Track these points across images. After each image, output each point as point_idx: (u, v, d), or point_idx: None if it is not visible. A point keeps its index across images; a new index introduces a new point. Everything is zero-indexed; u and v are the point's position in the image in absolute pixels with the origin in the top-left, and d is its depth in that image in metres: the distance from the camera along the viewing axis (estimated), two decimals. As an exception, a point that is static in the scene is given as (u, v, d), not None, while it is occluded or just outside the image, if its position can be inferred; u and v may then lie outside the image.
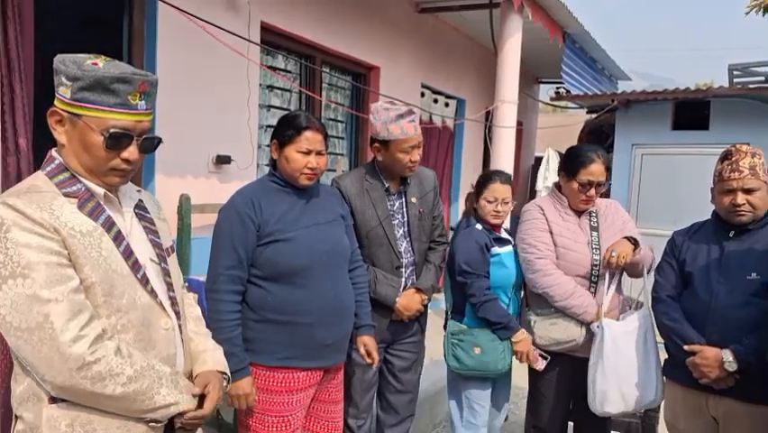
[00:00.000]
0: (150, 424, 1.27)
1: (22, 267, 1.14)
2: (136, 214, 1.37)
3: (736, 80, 6.33)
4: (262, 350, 1.91)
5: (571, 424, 2.59)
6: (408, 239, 2.34)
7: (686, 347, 2.00)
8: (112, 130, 1.23)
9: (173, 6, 2.82)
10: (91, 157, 1.25)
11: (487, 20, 4.89)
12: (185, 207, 3.16)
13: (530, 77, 8.28)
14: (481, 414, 2.44)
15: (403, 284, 2.33)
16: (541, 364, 2.36)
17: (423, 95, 5.84)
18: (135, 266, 1.28)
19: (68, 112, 1.23)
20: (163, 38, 3.24)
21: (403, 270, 2.33)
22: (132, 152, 1.27)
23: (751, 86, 6.03)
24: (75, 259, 1.20)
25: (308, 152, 1.91)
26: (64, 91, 1.23)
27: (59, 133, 1.26)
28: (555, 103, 7.34)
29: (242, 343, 1.87)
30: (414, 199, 2.36)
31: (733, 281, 1.98)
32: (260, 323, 1.91)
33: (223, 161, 3.59)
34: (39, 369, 1.16)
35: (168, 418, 1.28)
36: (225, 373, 1.49)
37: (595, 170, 2.30)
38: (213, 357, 1.48)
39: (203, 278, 2.34)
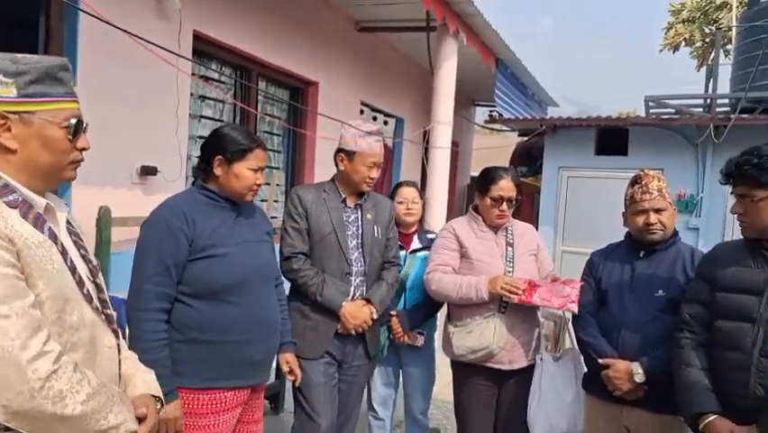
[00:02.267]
0: None
1: None
2: (67, 228, 1.29)
3: (651, 111, 6.81)
4: (187, 372, 1.82)
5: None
6: (361, 250, 2.37)
7: (600, 361, 2.10)
8: (72, 120, 1.18)
9: (93, 16, 2.70)
10: (53, 154, 1.17)
11: (424, 41, 5.01)
12: (104, 220, 3.00)
13: (466, 99, 8.54)
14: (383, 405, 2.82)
15: (352, 293, 2.33)
16: (420, 340, 2.67)
17: (362, 112, 5.89)
18: (80, 282, 1.21)
19: (17, 112, 1.13)
20: (84, 41, 3.09)
21: (353, 277, 2.34)
22: (85, 140, 1.22)
23: (663, 116, 6.51)
24: (29, 272, 1.10)
25: (257, 170, 1.91)
26: (3, 91, 1.12)
27: (6, 140, 1.13)
28: (489, 126, 7.60)
29: (170, 364, 1.78)
30: (369, 216, 2.42)
31: (642, 298, 2.11)
32: (186, 343, 1.83)
33: (148, 172, 3.45)
34: None
35: None
36: (159, 397, 1.42)
37: (504, 185, 2.46)
38: (144, 381, 1.41)
39: (123, 295, 2.22)
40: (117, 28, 2.74)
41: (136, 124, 3.40)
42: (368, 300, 2.35)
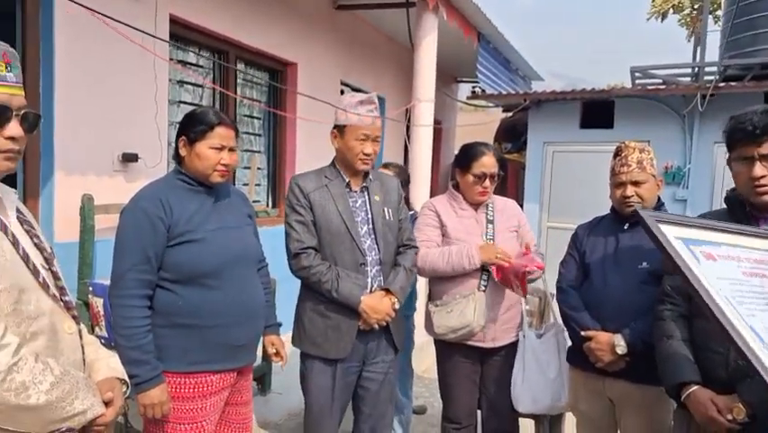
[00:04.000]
0: None
1: None
2: (17, 216, 1.28)
3: (637, 82, 6.80)
4: (172, 356, 1.84)
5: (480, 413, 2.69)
6: (373, 236, 2.21)
7: (582, 333, 2.13)
8: None
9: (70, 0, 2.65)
10: None
11: (403, 18, 4.96)
12: (87, 208, 2.99)
13: (448, 76, 8.49)
14: None
15: (369, 284, 2.18)
16: None
17: (342, 92, 5.84)
18: (35, 271, 1.21)
19: None
20: (61, 28, 3.04)
21: (368, 268, 2.18)
22: (13, 128, 1.18)
23: (649, 87, 6.50)
24: None
25: (221, 149, 1.86)
26: None
27: None
28: (472, 102, 7.57)
29: (153, 349, 1.79)
30: (377, 198, 2.26)
31: (625, 271, 2.12)
32: (169, 328, 1.84)
33: (129, 159, 3.41)
34: None
35: (82, 425, 1.21)
36: (124, 380, 1.43)
37: (487, 161, 2.43)
38: (107, 365, 1.41)
39: (108, 282, 2.22)
40: (91, 10, 2.71)
41: (115, 112, 3.36)
42: (387, 291, 2.18)
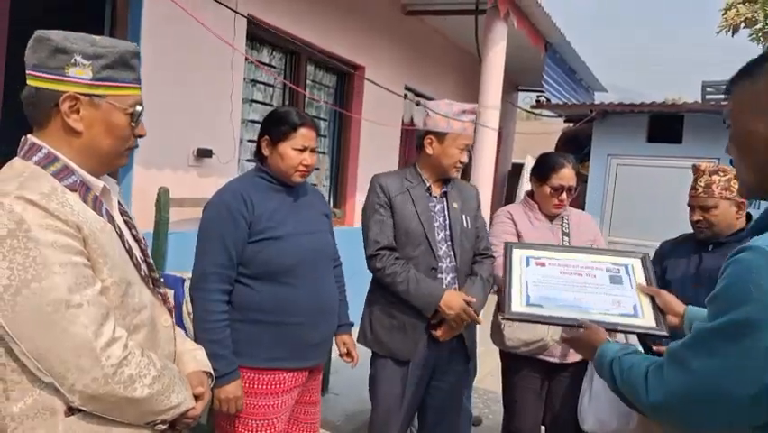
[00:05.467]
0: (157, 427, 1.22)
1: (47, 270, 1.04)
2: (118, 208, 1.32)
3: (708, 97, 6.52)
4: (247, 352, 1.86)
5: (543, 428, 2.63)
6: (450, 243, 2.20)
7: (655, 348, 2.07)
8: (138, 107, 1.20)
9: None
10: (115, 140, 1.19)
11: (470, 25, 4.92)
12: (163, 201, 3.07)
13: (509, 84, 8.36)
14: None
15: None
16: None
17: (406, 96, 5.85)
18: (137, 264, 1.24)
19: (89, 94, 1.14)
20: (148, 26, 3.16)
21: (443, 275, 2.16)
22: (144, 128, 1.24)
23: (723, 103, 6.20)
24: (95, 259, 1.12)
25: (303, 150, 1.88)
26: (80, 72, 1.12)
27: (75, 121, 1.14)
28: (535, 111, 7.44)
29: (231, 344, 1.82)
30: (456, 205, 2.25)
31: (706, 292, 2.03)
32: (246, 324, 1.86)
33: (204, 154, 3.52)
34: (68, 379, 1.07)
35: (175, 417, 1.24)
36: (210, 374, 1.46)
37: (566, 174, 2.38)
38: (195, 358, 1.44)
39: (180, 274, 2.28)
40: (183, 9, 2.81)
41: (194, 108, 3.47)
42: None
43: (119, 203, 1.32)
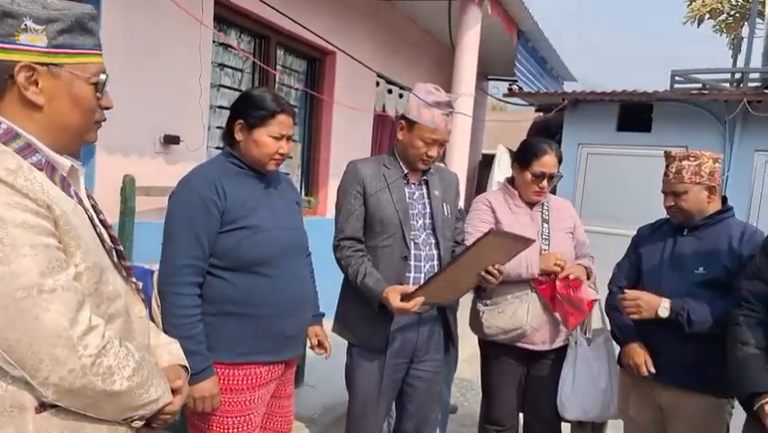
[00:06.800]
0: (134, 423, 1.14)
1: (15, 252, 0.94)
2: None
3: (676, 86, 6.63)
4: (221, 346, 1.77)
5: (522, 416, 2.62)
6: (431, 231, 2.13)
7: (626, 291, 2.10)
8: (102, 75, 1.09)
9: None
10: (81, 113, 1.09)
11: (443, 13, 4.88)
12: (128, 189, 2.95)
13: (480, 73, 8.33)
14: None
15: (421, 278, 2.06)
16: None
17: (377, 84, 5.77)
18: (109, 250, 1.15)
19: (46, 63, 1.03)
20: (108, 7, 2.99)
21: (421, 263, 2.08)
22: (109, 98, 1.14)
23: (692, 92, 6.33)
24: (66, 242, 1.02)
25: (280, 137, 1.79)
26: (33, 39, 1.01)
27: (34, 94, 1.04)
28: (507, 99, 7.45)
29: (204, 340, 1.72)
30: (437, 192, 2.18)
31: (681, 274, 2.07)
32: (220, 317, 1.77)
33: (171, 141, 3.38)
34: (41, 371, 0.98)
35: (153, 412, 1.16)
36: (186, 367, 1.38)
37: (548, 161, 2.34)
38: (170, 351, 1.36)
39: (148, 265, 2.16)
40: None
41: (159, 93, 3.32)
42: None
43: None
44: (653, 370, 2.07)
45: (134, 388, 1.08)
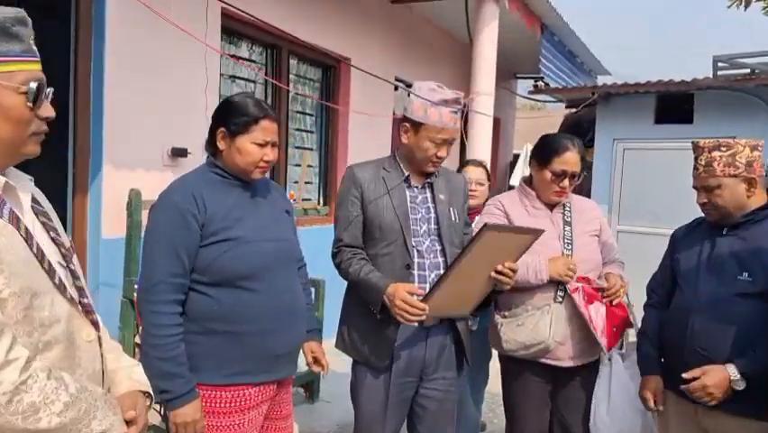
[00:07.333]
0: None
1: None
2: (32, 207, 1.14)
3: (719, 73, 6.20)
4: (206, 367, 1.67)
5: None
6: (436, 237, 1.99)
7: (684, 375, 1.79)
8: (32, 83, 1.01)
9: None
10: (12, 126, 1.00)
11: (460, 11, 4.71)
12: (135, 203, 2.94)
13: (506, 71, 8.12)
14: None
15: (426, 288, 1.89)
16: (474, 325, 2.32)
17: (396, 88, 5.64)
18: (51, 270, 1.06)
19: None
20: (114, 23, 3.01)
21: (425, 272, 1.93)
22: (49, 108, 1.05)
23: (737, 78, 5.90)
24: None
25: (264, 144, 1.69)
26: None
27: None
28: (534, 97, 7.19)
29: (186, 361, 1.63)
30: (442, 196, 2.04)
31: (720, 279, 1.82)
32: (203, 335, 1.67)
33: (179, 153, 3.36)
34: None
35: None
36: (148, 393, 1.27)
37: (569, 158, 2.12)
38: (130, 376, 1.26)
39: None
40: (144, 4, 2.64)
41: (166, 106, 3.31)
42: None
43: (35, 200, 1.13)
44: (660, 408, 1.92)
45: (68, 424, 0.98)
